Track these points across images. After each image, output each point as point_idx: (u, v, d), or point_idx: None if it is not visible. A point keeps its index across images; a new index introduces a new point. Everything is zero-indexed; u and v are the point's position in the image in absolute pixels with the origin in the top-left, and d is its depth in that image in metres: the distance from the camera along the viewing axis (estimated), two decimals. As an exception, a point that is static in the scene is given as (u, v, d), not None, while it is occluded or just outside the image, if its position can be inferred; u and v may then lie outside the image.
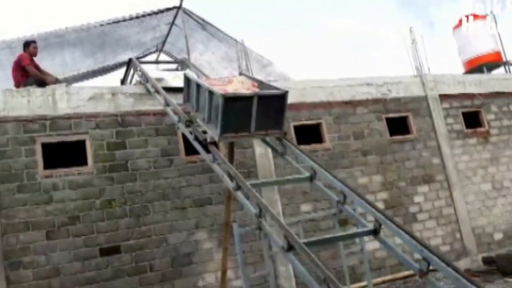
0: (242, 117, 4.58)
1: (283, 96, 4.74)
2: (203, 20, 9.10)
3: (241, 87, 4.93)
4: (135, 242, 5.70)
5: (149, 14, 8.57)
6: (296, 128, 7.15)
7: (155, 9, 8.59)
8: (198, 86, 5.08)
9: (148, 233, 5.80)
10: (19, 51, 6.68)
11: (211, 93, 4.72)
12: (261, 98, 4.64)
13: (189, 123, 5.04)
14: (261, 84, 5.07)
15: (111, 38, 8.87)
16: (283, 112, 4.78)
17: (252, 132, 4.68)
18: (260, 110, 4.60)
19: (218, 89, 4.72)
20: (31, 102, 5.72)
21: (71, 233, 5.47)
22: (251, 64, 7.72)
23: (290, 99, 7.09)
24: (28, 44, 6.56)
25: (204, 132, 4.80)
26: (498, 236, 8.13)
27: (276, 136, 4.90)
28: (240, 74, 5.70)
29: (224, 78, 5.69)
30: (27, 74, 6.27)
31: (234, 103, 4.53)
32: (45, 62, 7.39)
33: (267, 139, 4.99)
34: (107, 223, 5.64)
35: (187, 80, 5.46)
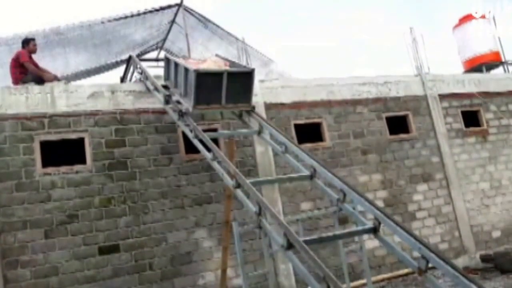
0: (214, 91, 5.11)
1: (250, 73, 5.31)
2: (204, 17, 9.08)
3: (214, 65, 5.48)
4: (134, 241, 5.68)
5: (149, 12, 8.53)
6: (297, 126, 7.14)
7: (156, 6, 8.55)
8: (176, 64, 5.62)
9: (147, 232, 5.78)
10: (17, 48, 6.64)
11: (186, 70, 5.24)
12: (231, 74, 5.19)
13: (168, 97, 5.51)
14: (232, 63, 5.63)
15: (111, 36, 8.82)
16: (251, 88, 5.34)
17: (223, 104, 5.23)
18: (230, 86, 5.15)
19: (192, 66, 5.28)
20: (30, 100, 5.68)
21: (69, 231, 5.45)
22: (252, 62, 7.70)
23: (291, 98, 7.21)
24: (28, 42, 6.52)
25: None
26: (496, 234, 8.16)
27: (245, 109, 5.45)
28: (216, 55, 6.21)
29: (200, 58, 6.39)
30: (26, 71, 6.23)
31: (206, 78, 5.09)
32: (45, 60, 7.34)
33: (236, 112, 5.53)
34: (106, 222, 5.62)
35: (167, 60, 6.08)
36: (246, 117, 5.53)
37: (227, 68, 5.38)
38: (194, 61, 5.81)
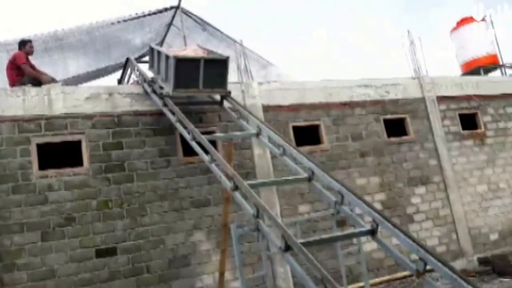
0: (192, 77, 5.60)
1: (225, 60, 5.83)
2: (202, 20, 9.09)
3: (193, 53, 5.98)
4: (132, 244, 5.65)
5: (147, 15, 8.54)
6: (295, 129, 7.14)
7: (153, 9, 8.56)
8: (159, 53, 6.11)
9: (145, 235, 5.75)
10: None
11: (167, 57, 5.70)
12: (207, 61, 5.70)
13: (152, 83, 5.99)
14: (210, 52, 6.15)
15: (110, 41, 8.81)
16: (226, 74, 5.85)
17: (201, 89, 5.73)
18: (207, 72, 5.64)
19: (173, 53, 5.78)
20: (26, 102, 5.66)
21: (66, 234, 5.41)
22: (250, 65, 7.72)
23: (289, 100, 7.22)
24: (25, 43, 6.50)
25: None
26: (493, 237, 8.16)
27: (221, 94, 5.92)
28: (197, 45, 6.78)
29: (181, 48, 7.03)
30: (22, 73, 6.21)
31: (184, 64, 5.59)
32: (44, 66, 7.32)
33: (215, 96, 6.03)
34: (103, 224, 5.59)
35: (151, 49, 6.61)
36: (223, 102, 6.00)
37: (204, 55, 5.88)
38: (176, 50, 6.38)
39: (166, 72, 5.77)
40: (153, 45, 6.76)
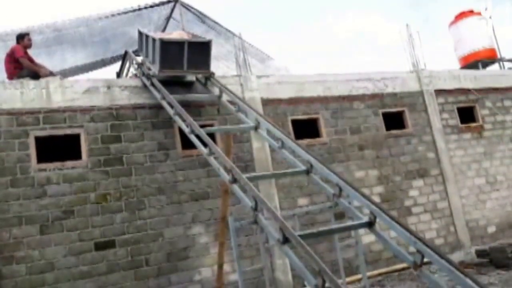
0: (177, 58, 5.96)
1: (207, 43, 6.18)
2: (201, 13, 9.04)
3: (178, 37, 6.32)
4: (130, 237, 5.67)
5: (146, 7, 8.48)
6: (294, 122, 7.14)
7: (153, 2, 8.50)
8: (147, 37, 6.47)
9: (144, 228, 5.77)
10: (13, 44, 6.56)
11: (154, 40, 6.09)
12: (191, 43, 6.07)
13: (140, 65, 6.36)
14: (195, 36, 6.56)
15: (109, 33, 8.75)
16: (209, 57, 6.19)
17: (185, 69, 6.08)
18: (191, 54, 5.99)
19: (159, 36, 6.18)
20: (25, 95, 5.64)
21: (65, 227, 5.43)
22: (249, 58, 7.69)
23: (288, 94, 7.21)
24: (22, 37, 6.46)
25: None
26: (491, 229, 8.22)
27: (205, 75, 6.27)
28: (183, 30, 7.26)
29: (168, 32, 7.69)
30: (21, 66, 6.18)
31: (169, 46, 5.97)
32: (41, 57, 7.28)
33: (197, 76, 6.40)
34: (102, 218, 5.60)
35: (140, 33, 6.98)
36: (209, 84, 6.33)
37: (189, 38, 6.22)
38: (162, 34, 6.88)
39: (153, 54, 6.09)
40: (141, 29, 7.02)
